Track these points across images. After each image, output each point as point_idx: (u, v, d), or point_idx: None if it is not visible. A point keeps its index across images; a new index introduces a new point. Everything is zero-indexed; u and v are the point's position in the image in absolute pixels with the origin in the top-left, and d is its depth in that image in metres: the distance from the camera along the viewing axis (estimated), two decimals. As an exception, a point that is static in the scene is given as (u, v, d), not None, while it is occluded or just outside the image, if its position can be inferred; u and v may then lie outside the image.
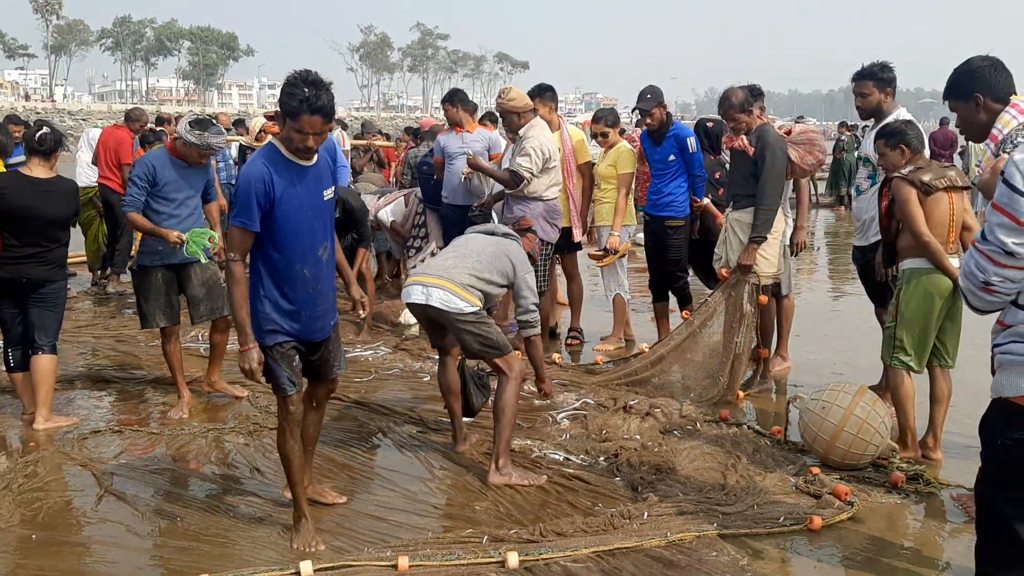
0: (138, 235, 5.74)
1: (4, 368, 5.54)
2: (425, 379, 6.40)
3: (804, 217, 6.62)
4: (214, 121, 5.49)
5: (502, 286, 4.82)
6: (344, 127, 12.68)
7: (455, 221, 7.64)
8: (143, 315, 5.58)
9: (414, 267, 8.54)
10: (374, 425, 5.38)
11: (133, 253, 9.30)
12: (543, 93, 7.03)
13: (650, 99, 6.67)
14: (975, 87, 3.55)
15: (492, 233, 5.08)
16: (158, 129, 9.72)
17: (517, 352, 4.92)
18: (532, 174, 6.30)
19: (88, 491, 4.43)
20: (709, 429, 5.32)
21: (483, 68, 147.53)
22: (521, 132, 6.42)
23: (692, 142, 6.70)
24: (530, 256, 5.18)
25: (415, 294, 4.66)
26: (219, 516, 4.15)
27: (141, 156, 5.44)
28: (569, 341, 7.41)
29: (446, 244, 7.86)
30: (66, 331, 6.85)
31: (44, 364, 5.30)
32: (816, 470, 4.63)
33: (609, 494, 4.40)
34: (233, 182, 11.10)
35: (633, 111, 6.91)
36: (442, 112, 8.29)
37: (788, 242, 6.45)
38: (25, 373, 5.40)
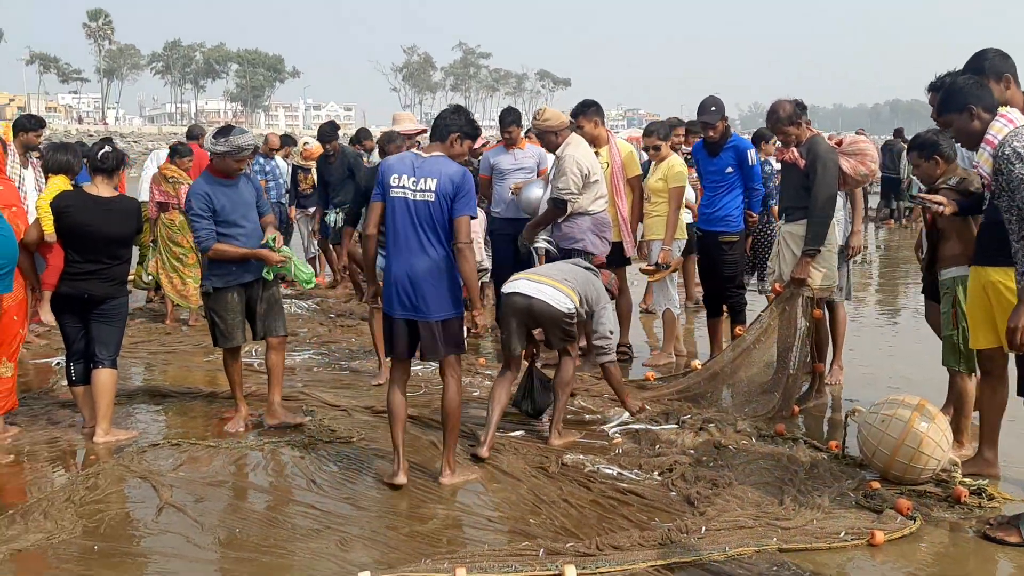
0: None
1: (66, 382, 5.66)
2: (475, 393, 6.41)
3: (860, 222, 6.53)
4: (233, 125, 5.59)
5: (584, 311, 5.30)
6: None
7: (505, 235, 7.69)
8: (222, 335, 5.53)
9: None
10: (426, 439, 5.39)
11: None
12: (586, 109, 7.03)
13: (715, 112, 6.62)
14: (967, 100, 4.07)
15: (577, 265, 5.59)
16: (186, 143, 9.98)
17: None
18: (574, 193, 6.28)
19: (148, 503, 4.50)
20: (765, 444, 5.26)
21: (525, 86, 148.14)
22: (557, 152, 6.43)
23: (752, 155, 6.66)
24: (607, 289, 5.63)
25: (523, 287, 5.19)
26: (277, 528, 4.19)
27: (191, 188, 5.48)
28: (619, 357, 7.36)
29: (495, 255, 7.96)
30: (123, 347, 6.98)
31: (104, 378, 5.41)
32: (876, 484, 4.55)
33: (665, 508, 4.37)
34: (284, 200, 11.29)
35: (699, 125, 6.86)
36: (496, 131, 8.39)
37: (844, 245, 6.39)
38: (86, 387, 5.51)
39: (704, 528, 4.03)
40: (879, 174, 18.10)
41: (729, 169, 6.65)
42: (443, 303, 4.60)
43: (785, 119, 5.76)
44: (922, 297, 5.76)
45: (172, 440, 5.39)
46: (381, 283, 4.94)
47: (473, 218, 4.63)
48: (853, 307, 8.88)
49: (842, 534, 4.02)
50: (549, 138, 6.48)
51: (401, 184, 4.59)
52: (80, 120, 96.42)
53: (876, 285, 11.84)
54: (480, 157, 8.42)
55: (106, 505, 4.44)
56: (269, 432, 5.57)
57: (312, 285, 5.96)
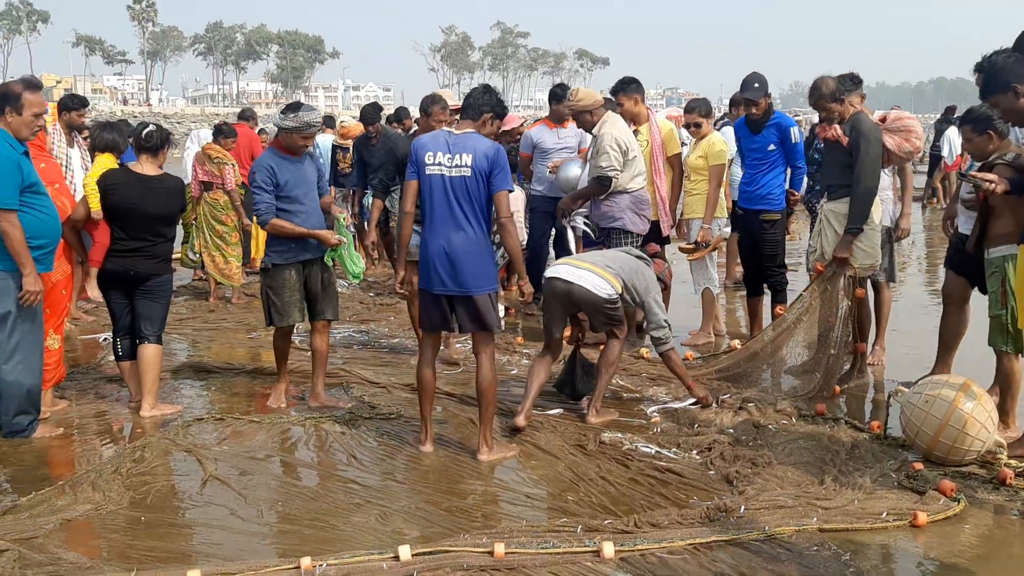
0: (261, 233, 5.81)
1: (113, 357, 5.78)
2: (513, 371, 6.43)
3: (909, 203, 6.42)
4: (303, 102, 5.58)
5: (631, 299, 5.36)
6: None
7: (545, 213, 7.70)
8: (278, 312, 5.48)
9: (502, 255, 8.58)
10: (464, 416, 5.42)
11: (254, 255, 9.66)
12: (626, 86, 6.97)
13: (757, 88, 6.53)
14: (1009, 79, 4.11)
15: (627, 253, 5.59)
16: (231, 124, 10.03)
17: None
18: (616, 169, 6.25)
19: (193, 475, 4.59)
20: (805, 424, 5.22)
21: (563, 65, 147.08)
22: (594, 131, 6.39)
23: (795, 132, 6.58)
24: (659, 279, 5.65)
25: (564, 272, 5.22)
26: (318, 501, 4.25)
27: (256, 161, 5.49)
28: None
29: (532, 234, 7.96)
30: (169, 323, 7.10)
31: (150, 354, 5.51)
32: (919, 466, 4.49)
33: (703, 487, 4.36)
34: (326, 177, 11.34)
35: (742, 101, 6.78)
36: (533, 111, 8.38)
37: (893, 227, 6.30)
38: (133, 362, 5.62)
39: (743, 507, 4.02)
40: (925, 152, 17.76)
41: (771, 147, 6.57)
42: (480, 278, 4.65)
43: (828, 95, 5.66)
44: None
45: (216, 415, 5.48)
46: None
47: (510, 192, 4.68)
48: (897, 287, 8.73)
49: (884, 515, 3.98)
50: (584, 118, 6.44)
51: (436, 161, 4.64)
52: (125, 101, 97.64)
53: (921, 265, 11.64)
54: (520, 136, 8.41)
55: (152, 477, 4.54)
56: (311, 408, 5.64)
57: (359, 280, 5.93)
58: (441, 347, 5.68)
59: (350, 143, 10.83)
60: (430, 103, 6.19)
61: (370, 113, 9.56)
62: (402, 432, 5.16)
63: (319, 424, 5.29)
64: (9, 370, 4.98)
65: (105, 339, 7.22)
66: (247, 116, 11.79)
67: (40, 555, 3.64)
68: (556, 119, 7.91)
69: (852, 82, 5.76)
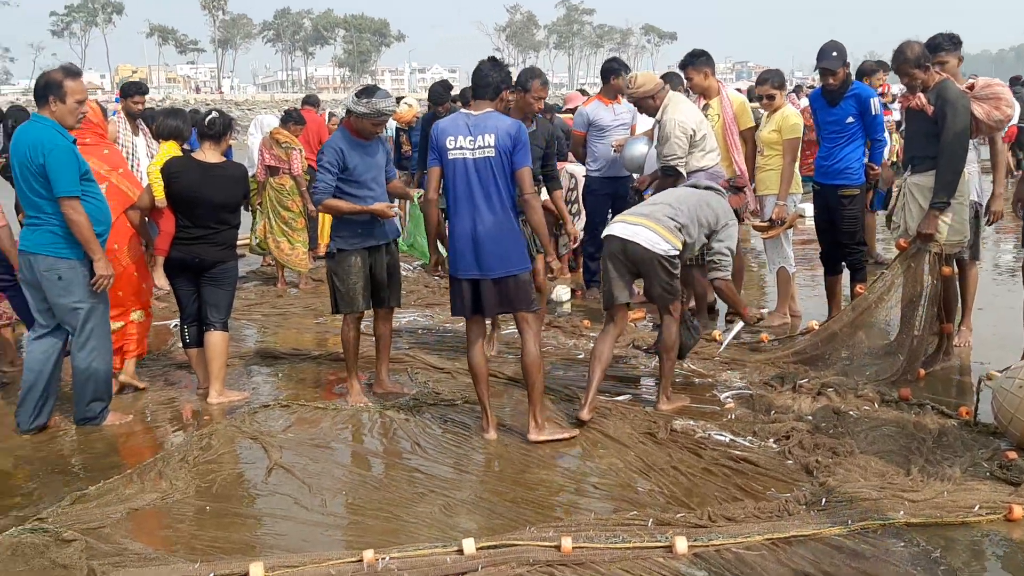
0: (326, 219, 5.73)
1: (181, 344, 5.80)
2: (579, 356, 6.29)
3: (1001, 182, 6.04)
4: (378, 87, 5.40)
5: (704, 234, 5.10)
6: None
7: (603, 195, 7.49)
8: (343, 299, 5.35)
9: (564, 244, 8.43)
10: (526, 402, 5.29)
11: (320, 240, 9.67)
12: (695, 60, 6.71)
13: (835, 57, 6.19)
14: None
15: (695, 186, 5.35)
16: (299, 110, 10.02)
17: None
18: (680, 157, 6.01)
19: (258, 464, 4.57)
20: (888, 410, 4.97)
21: (629, 41, 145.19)
22: (657, 116, 6.15)
23: (876, 103, 6.25)
24: (736, 213, 5.36)
25: (620, 229, 5.00)
26: (382, 491, 4.18)
27: (327, 141, 5.37)
28: (729, 318, 7.11)
29: (589, 216, 7.79)
30: (236, 309, 7.13)
31: (216, 340, 5.51)
32: (1013, 455, 4.22)
33: (781, 478, 4.17)
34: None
35: (815, 70, 6.49)
36: (596, 88, 8.21)
37: (983, 208, 5.95)
38: (200, 349, 5.64)
39: (824, 500, 3.82)
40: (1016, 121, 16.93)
41: (850, 119, 6.25)
42: (510, 259, 4.61)
43: (912, 60, 5.35)
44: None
45: (282, 401, 5.47)
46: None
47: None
48: (984, 264, 8.31)
49: (976, 508, 3.74)
50: (647, 103, 6.19)
51: (458, 145, 4.59)
52: (198, 90, 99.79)
53: (1009, 241, 11.09)
54: (575, 113, 8.23)
55: (218, 465, 4.53)
56: (375, 394, 5.59)
57: (425, 256, 5.80)
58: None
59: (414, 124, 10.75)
60: (530, 77, 5.65)
61: (439, 92, 9.33)
62: (466, 419, 5.07)
63: (383, 411, 5.23)
64: (83, 357, 5.03)
65: (175, 325, 7.29)
66: (312, 102, 11.83)
67: (107, 545, 3.65)
68: (611, 95, 7.70)
69: (951, 42, 5.43)
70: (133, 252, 5.61)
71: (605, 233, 5.14)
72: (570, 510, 3.94)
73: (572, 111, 9.27)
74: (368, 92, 5.20)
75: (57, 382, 5.14)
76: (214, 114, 5.49)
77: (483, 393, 4.81)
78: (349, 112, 5.23)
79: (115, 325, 5.62)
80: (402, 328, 7.20)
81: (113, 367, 5.43)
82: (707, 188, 5.34)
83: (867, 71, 8.45)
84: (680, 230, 4.98)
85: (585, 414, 4.87)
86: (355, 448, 4.82)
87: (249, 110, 59.19)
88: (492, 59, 4.85)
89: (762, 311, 5.55)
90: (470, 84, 4.92)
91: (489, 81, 4.67)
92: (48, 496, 4.22)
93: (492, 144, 4.53)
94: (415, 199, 5.58)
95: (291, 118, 9.37)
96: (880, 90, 7.81)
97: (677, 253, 4.96)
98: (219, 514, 4.00)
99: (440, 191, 4.80)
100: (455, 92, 10.23)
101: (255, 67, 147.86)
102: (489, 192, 4.56)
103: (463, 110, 4.83)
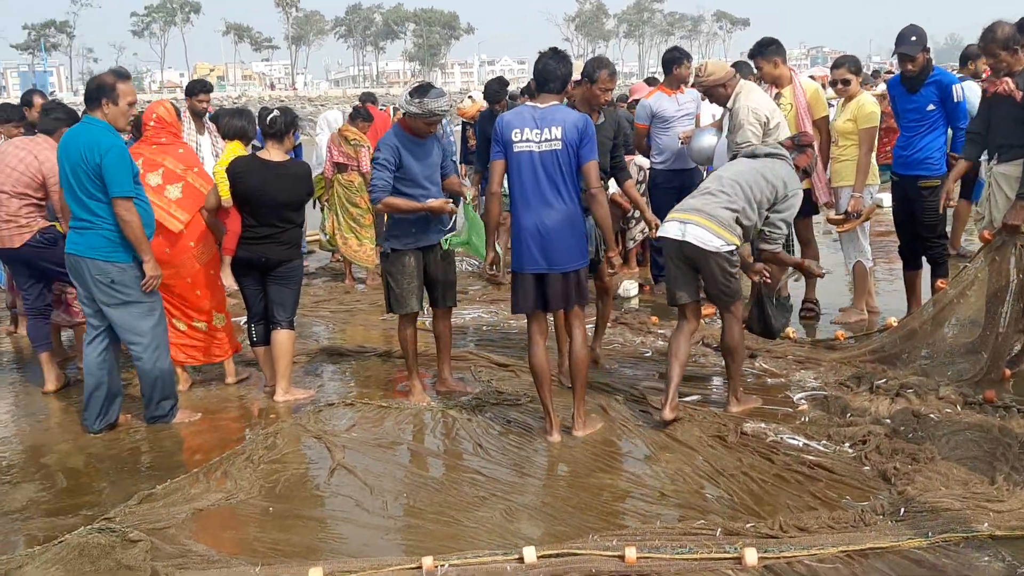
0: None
1: (248, 342, 5.85)
2: (647, 354, 6.15)
3: None
4: (432, 84, 5.31)
5: (764, 210, 4.84)
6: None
7: (670, 188, 7.31)
8: (396, 299, 5.30)
9: (633, 238, 8.29)
10: (594, 403, 5.18)
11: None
12: (764, 49, 6.48)
13: (915, 42, 5.91)
14: None
15: (754, 156, 5.05)
16: (365, 106, 10.00)
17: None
18: (754, 144, 5.79)
19: (322, 463, 4.57)
20: (972, 413, 4.72)
21: (701, 28, 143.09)
22: (729, 104, 5.96)
23: (958, 90, 5.94)
24: (807, 172, 5.19)
25: (672, 230, 4.77)
26: (443, 494, 4.13)
27: (382, 138, 5.31)
28: (804, 314, 6.89)
29: (655, 211, 7.60)
30: (304, 306, 7.21)
31: (283, 339, 5.54)
32: (1110, 464, 3.96)
33: (857, 486, 3.98)
34: (455, 158, 11.21)
35: (893, 55, 6.21)
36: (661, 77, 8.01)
37: None
38: (267, 347, 5.67)
39: (903, 509, 3.64)
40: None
41: (931, 107, 5.96)
42: (574, 253, 4.59)
43: (1001, 41, 5.06)
44: None
45: (347, 400, 5.47)
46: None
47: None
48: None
49: (1069, 521, 3.51)
50: (718, 91, 6.01)
51: (524, 138, 4.53)
52: (272, 86, 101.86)
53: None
54: (637, 105, 8.04)
55: (282, 465, 4.53)
56: (438, 393, 5.56)
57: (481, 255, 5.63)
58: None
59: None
60: (597, 67, 5.33)
61: (495, 89, 9.16)
62: (529, 419, 4.98)
63: (446, 410, 5.18)
64: (148, 359, 5.10)
65: (245, 322, 7.37)
66: (370, 99, 11.77)
67: (171, 546, 3.67)
68: (673, 85, 7.52)
69: None
70: (208, 251, 5.68)
71: (660, 232, 4.94)
72: (635, 517, 3.83)
73: (636, 102, 9.08)
74: (421, 91, 5.11)
75: (118, 380, 5.22)
76: (275, 112, 5.50)
77: (546, 394, 4.72)
78: (403, 111, 5.18)
79: (200, 325, 5.76)
80: (467, 325, 7.16)
81: (193, 363, 5.71)
82: (768, 155, 5.02)
83: (972, 55, 8.03)
84: (736, 220, 4.72)
85: (668, 413, 4.69)
86: (417, 448, 4.78)
87: (322, 106, 59.96)
88: (555, 50, 4.76)
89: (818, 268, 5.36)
90: (533, 77, 4.84)
91: (557, 75, 4.61)
92: (117, 495, 4.26)
93: (559, 137, 4.48)
94: (468, 199, 5.47)
95: (359, 115, 9.37)
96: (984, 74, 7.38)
97: (734, 248, 4.73)
98: (282, 515, 3.99)
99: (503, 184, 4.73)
100: (522, 85, 10.10)
101: (328, 63, 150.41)
102: (557, 185, 4.51)
103: (528, 103, 4.75)
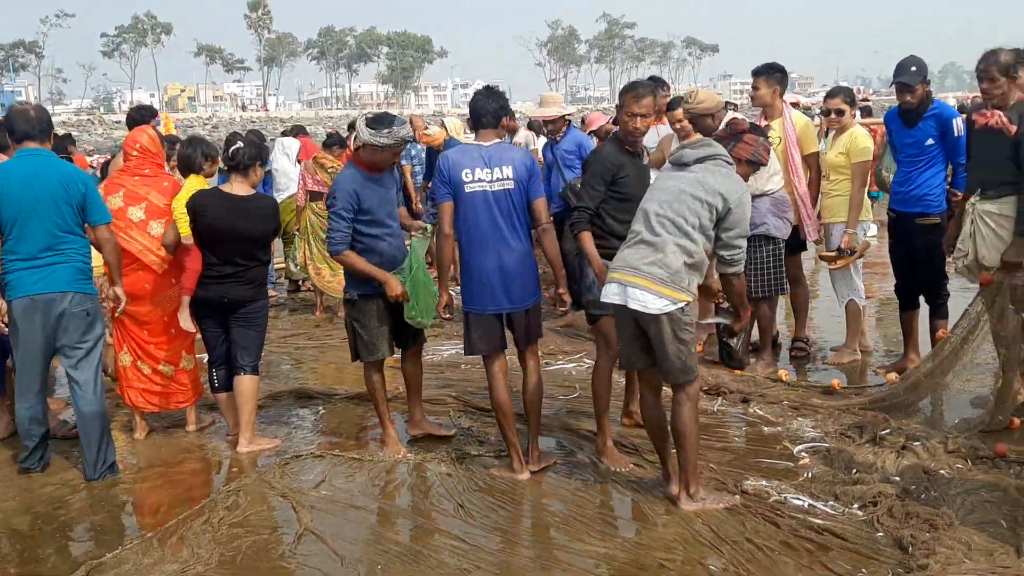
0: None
1: (209, 388, 5.46)
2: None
3: None
4: (389, 112, 4.99)
5: (709, 232, 4.07)
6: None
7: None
8: (364, 346, 4.95)
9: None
10: (582, 455, 4.86)
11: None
12: (770, 72, 6.23)
13: (915, 72, 5.67)
14: None
15: (682, 163, 4.21)
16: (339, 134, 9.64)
17: None
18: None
19: (287, 527, 4.18)
20: (983, 469, 4.44)
21: (671, 55, 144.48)
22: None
23: (958, 124, 5.70)
24: (752, 161, 4.45)
25: (613, 293, 4.13)
26: (420, 565, 3.76)
27: (336, 183, 4.92)
28: (794, 353, 6.61)
29: None
30: (271, 340, 6.81)
31: (246, 386, 5.16)
32: None
33: (872, 556, 3.66)
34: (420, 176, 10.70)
35: (891, 86, 5.96)
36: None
37: None
38: (229, 393, 5.28)
39: (925, 586, 3.33)
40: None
41: (930, 141, 5.71)
42: (532, 290, 4.63)
43: (1003, 65, 4.82)
44: None
45: (315, 452, 5.08)
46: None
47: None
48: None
49: (1105, 599, 3.23)
50: (705, 122, 5.77)
51: (476, 178, 4.43)
52: (244, 107, 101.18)
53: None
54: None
55: (243, 530, 4.15)
56: (414, 441, 5.19)
57: (428, 325, 5.10)
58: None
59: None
60: (623, 91, 4.75)
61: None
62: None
63: (423, 464, 4.81)
64: (97, 399, 4.85)
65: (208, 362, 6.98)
66: (301, 131, 10.98)
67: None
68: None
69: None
70: (169, 292, 5.36)
71: (601, 298, 4.30)
72: (631, 591, 3.49)
73: (595, 132, 8.82)
74: (384, 121, 4.79)
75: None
76: (238, 144, 5.14)
77: (510, 430, 4.60)
78: (363, 145, 4.81)
79: (165, 369, 5.45)
80: (443, 362, 6.81)
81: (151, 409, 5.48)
82: (698, 160, 4.17)
83: None
84: (684, 264, 4.00)
85: (688, 504, 4.13)
86: (392, 509, 4.40)
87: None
88: (488, 88, 4.72)
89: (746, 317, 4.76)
90: (469, 115, 4.75)
91: (488, 109, 4.54)
92: (63, 564, 3.89)
93: (511, 176, 4.46)
94: (426, 232, 5.09)
95: (335, 142, 9.05)
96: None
97: (683, 305, 4.00)
98: (242, 591, 3.62)
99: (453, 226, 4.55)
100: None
101: (300, 84, 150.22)
102: (513, 224, 4.51)
103: (472, 142, 4.61)
